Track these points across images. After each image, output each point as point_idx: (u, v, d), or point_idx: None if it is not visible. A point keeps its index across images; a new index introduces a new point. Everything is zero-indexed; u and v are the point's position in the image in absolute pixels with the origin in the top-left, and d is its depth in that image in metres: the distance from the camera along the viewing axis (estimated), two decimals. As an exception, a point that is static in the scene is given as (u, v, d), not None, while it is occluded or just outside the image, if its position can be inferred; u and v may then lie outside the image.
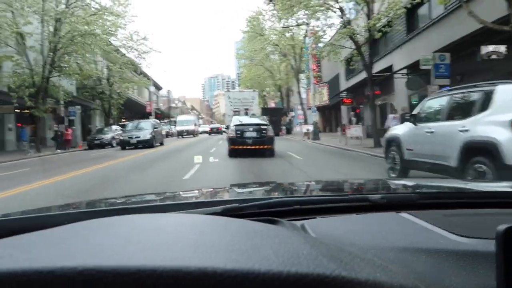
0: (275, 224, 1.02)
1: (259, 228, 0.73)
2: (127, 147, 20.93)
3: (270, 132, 13.37)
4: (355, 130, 17.33)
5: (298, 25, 29.77)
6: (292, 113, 43.94)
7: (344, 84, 30.19)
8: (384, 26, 15.09)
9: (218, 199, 1.78)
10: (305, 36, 30.58)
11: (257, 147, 12.92)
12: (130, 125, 23.94)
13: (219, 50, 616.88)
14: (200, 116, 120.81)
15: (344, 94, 29.29)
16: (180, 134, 39.38)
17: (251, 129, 13.14)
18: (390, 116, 15.15)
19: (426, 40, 17.01)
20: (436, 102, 6.23)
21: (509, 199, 1.42)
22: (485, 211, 1.23)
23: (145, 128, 22.28)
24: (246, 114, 29.05)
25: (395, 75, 19.45)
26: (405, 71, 18.32)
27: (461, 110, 5.57)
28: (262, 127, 13.30)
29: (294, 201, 1.35)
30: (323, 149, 17.18)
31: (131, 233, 0.67)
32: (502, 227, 0.69)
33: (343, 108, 31.44)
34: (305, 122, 31.27)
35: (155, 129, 22.80)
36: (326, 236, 0.97)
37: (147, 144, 20.89)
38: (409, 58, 18.29)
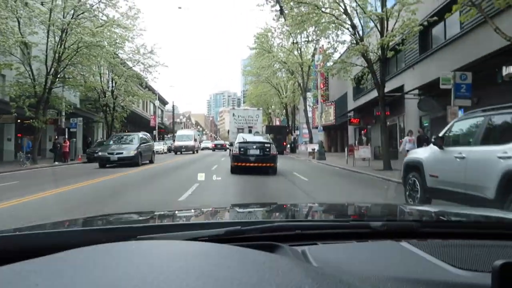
0: (277, 249, 1.06)
1: (263, 259, 0.76)
2: (107, 165, 17.98)
3: (274, 151, 13.42)
4: (364, 151, 16.58)
5: (307, 41, 29.52)
6: (297, 132, 43.41)
7: (351, 104, 29.61)
8: (397, 44, 14.53)
9: (221, 220, 1.81)
10: (314, 54, 30.20)
11: (260, 165, 12.91)
12: (114, 139, 21.03)
13: (226, 67, 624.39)
14: (204, 132, 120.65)
15: (351, 114, 28.72)
16: (178, 150, 35.97)
17: (254, 147, 13.13)
18: (406, 138, 14.42)
19: (440, 60, 16.43)
20: (468, 124, 5.51)
21: (509, 230, 1.43)
22: (484, 242, 1.22)
23: (130, 143, 19.47)
24: (250, 131, 28.40)
25: (406, 96, 18.82)
26: (416, 91, 17.71)
27: (501, 134, 4.84)
28: (265, 145, 13.35)
29: (295, 225, 1.37)
30: (330, 170, 16.41)
31: (134, 265, 0.68)
32: (498, 262, 0.71)
33: (350, 128, 30.78)
34: (310, 141, 30.56)
35: (142, 144, 19.87)
36: (327, 264, 0.98)
37: (130, 162, 17.95)
38: (421, 79, 17.69)
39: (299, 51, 30.77)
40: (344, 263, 1.01)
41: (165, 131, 61.20)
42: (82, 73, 22.88)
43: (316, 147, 26.46)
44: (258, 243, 1.08)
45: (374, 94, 23.50)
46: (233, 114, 33.98)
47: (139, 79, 30.89)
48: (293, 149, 38.26)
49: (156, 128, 45.82)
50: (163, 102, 66.76)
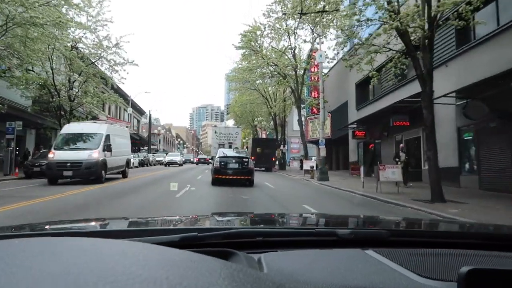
0: (231, 257, 1.01)
1: (203, 264, 0.68)
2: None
3: (251, 165, 14.53)
4: (393, 172, 12.04)
5: (304, 41, 25.28)
6: (284, 147, 38.85)
7: (354, 115, 25.33)
8: (445, 20, 10.23)
9: (178, 227, 1.72)
10: (310, 55, 25.89)
11: (238, 177, 13.79)
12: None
13: (210, 81, 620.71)
14: (185, 145, 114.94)
15: (354, 126, 24.45)
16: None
17: (233, 161, 14.06)
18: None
19: (490, 54, 12.31)
20: None
21: (478, 240, 1.40)
22: (452, 251, 1.20)
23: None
24: (230, 147, 30.81)
25: (435, 102, 14.55)
26: (452, 95, 13.46)
27: None
28: (244, 159, 14.34)
29: (256, 232, 1.34)
30: (347, 198, 11.76)
31: (53, 259, 0.65)
32: (464, 269, 0.71)
33: (352, 143, 26.41)
34: (306, 157, 25.99)
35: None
36: (280, 272, 0.94)
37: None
38: (460, 79, 13.50)
39: (292, 52, 26.42)
40: (302, 271, 0.96)
41: (140, 143, 55.65)
42: (20, 64, 17.72)
43: (313, 163, 21.92)
44: (214, 249, 1.04)
45: (386, 101, 19.39)
46: (215, 132, 36.94)
47: (103, 79, 25.89)
48: (283, 166, 33.62)
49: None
50: (140, 112, 61.37)
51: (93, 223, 1.78)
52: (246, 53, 26.97)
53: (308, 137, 33.20)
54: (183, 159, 51.56)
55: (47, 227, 1.58)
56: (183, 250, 0.82)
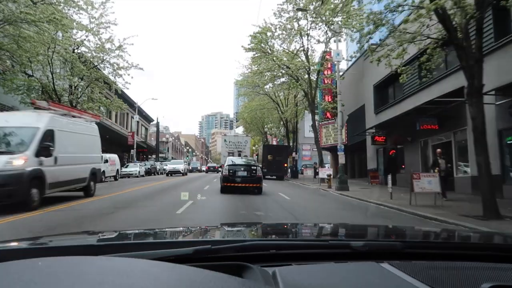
0: (245, 271, 1.01)
1: (222, 283, 0.68)
2: None
3: (259, 173, 14.37)
4: (429, 182, 10.33)
5: (318, 41, 23.82)
6: (295, 154, 37.19)
7: (372, 119, 23.65)
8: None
9: (192, 239, 1.72)
10: (324, 56, 24.38)
11: (246, 185, 13.72)
12: None
13: (219, 90, 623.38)
14: (194, 153, 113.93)
15: (372, 131, 22.77)
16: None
17: (242, 169, 14.07)
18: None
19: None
20: None
21: (496, 251, 1.36)
22: (470, 264, 1.16)
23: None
24: (239, 155, 30.69)
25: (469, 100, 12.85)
26: (491, 93, 11.80)
27: None
28: (252, 167, 14.28)
29: (270, 245, 1.34)
30: (379, 213, 10.09)
31: (49, 279, 0.65)
32: (485, 285, 0.70)
33: (371, 149, 24.68)
34: (320, 165, 24.32)
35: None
36: (296, 286, 0.93)
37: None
38: (501, 74, 11.85)
39: (305, 54, 24.93)
40: (318, 285, 0.96)
41: (148, 151, 54.58)
42: (15, 65, 16.57)
43: (330, 171, 20.28)
44: (228, 263, 1.04)
45: (409, 103, 17.75)
46: (225, 140, 37.16)
47: (107, 84, 24.73)
48: (295, 174, 31.98)
49: (135, 147, 39.29)
50: (148, 120, 60.38)
51: (106, 236, 1.75)
52: (256, 55, 25.57)
53: (322, 144, 31.53)
54: (189, 167, 49.95)
55: (61, 241, 1.56)
56: (201, 269, 0.82)
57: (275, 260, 1.16)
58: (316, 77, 24.90)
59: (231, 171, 13.89)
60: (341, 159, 17.22)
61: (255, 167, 14.33)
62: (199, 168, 55.26)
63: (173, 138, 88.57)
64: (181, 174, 37.17)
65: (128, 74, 24.40)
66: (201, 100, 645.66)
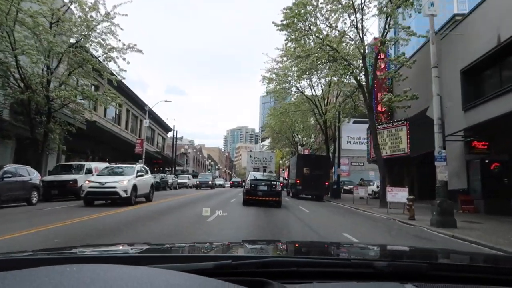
0: (265, 287, 0.99)
1: None
2: None
3: (278, 187, 15.47)
4: None
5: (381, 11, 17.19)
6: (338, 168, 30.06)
7: (458, 119, 16.57)
8: None
9: (212, 254, 1.72)
10: (385, 33, 17.63)
11: (267, 198, 14.76)
12: None
13: (245, 104, 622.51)
14: (217, 167, 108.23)
15: (459, 135, 15.74)
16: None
17: (263, 183, 15.19)
18: None
19: None
20: None
21: None
22: None
23: None
24: (264, 171, 30.81)
25: None
26: None
27: None
28: (272, 182, 15.40)
29: (290, 261, 1.31)
30: None
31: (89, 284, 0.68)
32: None
33: (457, 161, 17.44)
34: (385, 183, 17.39)
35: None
36: None
37: None
38: None
39: (359, 34, 18.30)
40: None
41: (163, 163, 48.91)
42: None
43: (406, 193, 13.34)
44: (248, 278, 1.02)
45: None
46: (250, 156, 37.98)
47: (96, 71, 19.03)
48: (337, 193, 24.94)
49: (143, 156, 33.48)
50: (165, 129, 54.95)
51: (127, 248, 1.80)
52: (292, 36, 19.10)
53: (372, 155, 24.48)
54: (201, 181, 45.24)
55: (87, 251, 1.64)
56: (223, 281, 0.82)
57: (296, 278, 1.15)
58: (374, 60, 18.10)
59: (252, 185, 15.01)
60: (442, 174, 10.17)
61: (274, 182, 15.49)
62: (222, 183, 51.81)
63: (194, 150, 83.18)
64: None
65: (124, 59, 18.64)
66: (226, 115, 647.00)
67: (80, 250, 1.66)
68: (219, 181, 52.92)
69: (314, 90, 26.76)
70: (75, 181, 16.54)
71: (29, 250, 1.47)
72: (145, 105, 36.34)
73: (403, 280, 1.12)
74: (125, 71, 19.31)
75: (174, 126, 50.56)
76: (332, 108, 21.05)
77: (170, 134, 56.89)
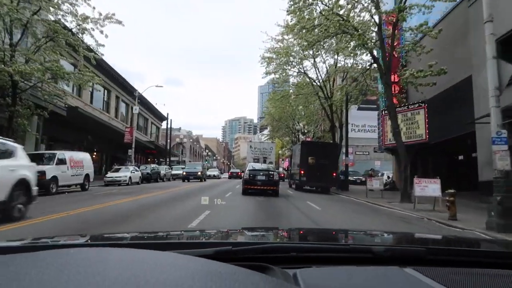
0: (267, 271, 0.99)
1: (247, 277, 0.69)
2: None
3: (276, 177, 16.03)
4: None
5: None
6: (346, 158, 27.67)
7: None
8: None
9: (213, 241, 1.72)
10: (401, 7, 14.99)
11: (264, 187, 15.36)
12: None
13: (243, 94, 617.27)
14: (215, 158, 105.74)
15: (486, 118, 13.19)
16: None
17: (261, 173, 15.70)
18: None
19: None
20: None
21: None
22: (494, 271, 1.13)
23: None
24: (265, 162, 30.96)
25: None
26: None
27: None
28: (270, 172, 15.96)
29: (290, 247, 1.32)
30: None
31: (85, 267, 0.67)
32: None
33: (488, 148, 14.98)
34: (406, 171, 14.91)
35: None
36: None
37: None
38: None
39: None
40: (339, 287, 0.95)
41: (157, 153, 46.41)
42: None
43: (438, 185, 10.89)
44: (249, 263, 1.02)
45: None
46: (250, 146, 37.69)
47: (70, 46, 16.43)
48: (345, 185, 22.54)
49: (133, 146, 30.99)
50: (160, 118, 52.31)
51: (132, 235, 1.85)
52: (296, 2, 16.42)
53: (386, 142, 22.04)
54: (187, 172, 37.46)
55: (99, 237, 1.66)
56: (225, 263, 0.82)
57: (296, 263, 1.15)
58: (392, 30, 15.47)
59: (251, 175, 15.64)
60: (502, 161, 7.65)
61: (272, 172, 16.10)
62: (215, 174, 46.58)
63: (191, 140, 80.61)
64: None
65: (101, 32, 16.01)
66: (225, 106, 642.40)
67: (80, 238, 1.67)
68: (213, 172, 48.72)
69: (318, 71, 24.13)
70: (43, 173, 14.07)
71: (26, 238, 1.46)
72: (134, 90, 33.65)
73: (401, 265, 1.13)
74: (103, 46, 16.73)
75: (167, 114, 48.17)
76: (341, 89, 18.57)
77: (165, 124, 54.25)
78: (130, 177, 23.71)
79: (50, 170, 14.47)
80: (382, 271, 1.11)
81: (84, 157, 17.87)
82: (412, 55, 16.42)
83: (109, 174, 23.50)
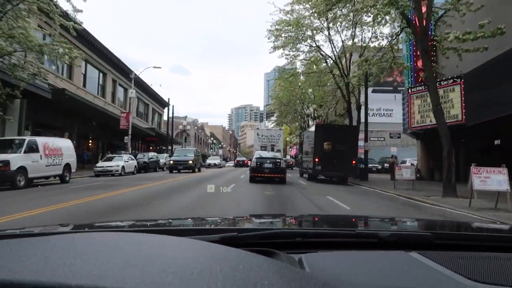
0: (272, 256, 0.99)
1: (252, 259, 0.69)
2: None
3: (283, 165, 16.11)
4: None
5: None
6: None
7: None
8: None
9: (218, 227, 1.72)
10: None
11: (271, 175, 15.27)
12: None
13: (249, 82, 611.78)
14: (220, 145, 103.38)
15: None
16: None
17: (268, 161, 15.65)
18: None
19: None
20: None
21: None
22: (501, 255, 1.12)
23: None
24: (272, 149, 31.02)
25: None
26: None
27: None
28: (277, 160, 15.89)
29: (296, 233, 1.34)
30: None
31: (91, 251, 0.68)
32: None
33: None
34: (449, 157, 12.10)
35: None
36: (323, 272, 0.92)
37: None
38: None
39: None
40: (345, 272, 0.94)
41: (159, 140, 44.01)
42: None
43: (504, 177, 8.20)
44: (254, 249, 1.01)
45: None
46: (257, 134, 36.38)
47: (42, 12, 13.82)
48: (364, 174, 19.87)
49: (129, 132, 28.53)
50: (162, 104, 49.76)
51: (141, 223, 1.80)
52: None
53: (412, 125, 19.24)
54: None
55: (108, 224, 1.77)
56: (229, 247, 0.82)
57: (301, 248, 1.15)
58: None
59: (258, 163, 15.60)
60: None
61: (279, 160, 16.08)
62: (217, 163, 41.98)
63: (195, 127, 78.19)
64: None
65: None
66: (231, 93, 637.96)
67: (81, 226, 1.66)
68: (213, 160, 43.39)
69: (333, 46, 21.21)
70: (6, 163, 11.62)
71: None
72: (131, 72, 31.00)
73: (407, 249, 1.12)
74: (81, 11, 14.07)
75: (168, 99, 45.21)
76: (361, 62, 15.83)
77: (169, 111, 51.49)
78: (123, 167, 21.30)
79: (16, 159, 11.99)
80: (388, 255, 1.10)
81: (64, 144, 15.37)
82: (448, 19, 13.54)
83: (100, 164, 21.10)
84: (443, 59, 14.31)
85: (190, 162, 24.72)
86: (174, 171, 24.30)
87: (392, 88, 38.13)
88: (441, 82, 17.60)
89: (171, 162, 25.31)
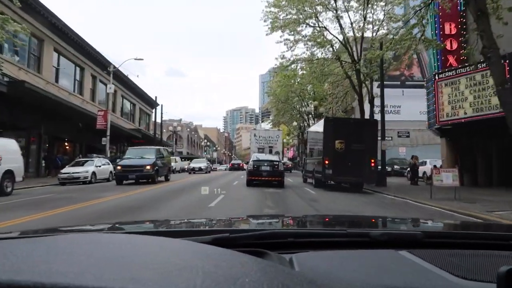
0: (262, 255, 0.99)
1: (239, 259, 0.69)
2: None
3: (281, 168, 15.60)
4: None
5: None
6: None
7: None
8: None
9: (209, 228, 1.73)
10: None
11: (269, 178, 14.79)
12: None
13: (244, 84, 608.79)
14: (215, 148, 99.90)
15: None
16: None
17: (265, 164, 15.18)
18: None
19: None
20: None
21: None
22: (488, 252, 1.14)
23: None
24: (270, 152, 29.08)
25: None
26: None
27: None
28: (274, 163, 15.35)
29: (287, 233, 1.33)
30: None
31: (72, 250, 0.68)
32: (503, 268, 0.68)
33: None
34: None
35: None
36: (312, 270, 0.92)
37: None
38: None
39: None
40: (335, 270, 0.94)
41: (146, 142, 40.48)
42: None
43: None
44: (245, 249, 1.01)
45: None
46: (254, 135, 34.96)
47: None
48: (382, 179, 16.55)
49: (108, 133, 25.07)
50: (150, 104, 46.27)
51: (131, 226, 1.81)
52: None
53: (440, 119, 15.97)
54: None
55: (102, 226, 1.73)
56: (215, 246, 0.83)
57: (294, 248, 1.15)
58: None
59: (255, 166, 15.17)
60: None
61: (277, 163, 15.48)
62: (202, 167, 33.14)
63: (188, 129, 74.69)
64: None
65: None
66: (225, 96, 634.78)
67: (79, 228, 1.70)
68: (198, 163, 34.49)
69: (341, 27, 17.95)
70: None
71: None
72: (109, 64, 27.52)
73: (398, 248, 1.14)
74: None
75: (155, 97, 41.77)
76: (382, 39, 12.57)
77: (158, 113, 47.85)
78: (93, 173, 17.83)
79: None
80: (378, 254, 1.11)
81: (5, 147, 11.92)
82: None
83: (66, 170, 17.62)
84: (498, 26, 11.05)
85: (148, 167, 16.55)
86: (124, 182, 16.62)
87: (399, 82, 34.99)
88: (477, 66, 14.40)
89: (119, 167, 16.96)
